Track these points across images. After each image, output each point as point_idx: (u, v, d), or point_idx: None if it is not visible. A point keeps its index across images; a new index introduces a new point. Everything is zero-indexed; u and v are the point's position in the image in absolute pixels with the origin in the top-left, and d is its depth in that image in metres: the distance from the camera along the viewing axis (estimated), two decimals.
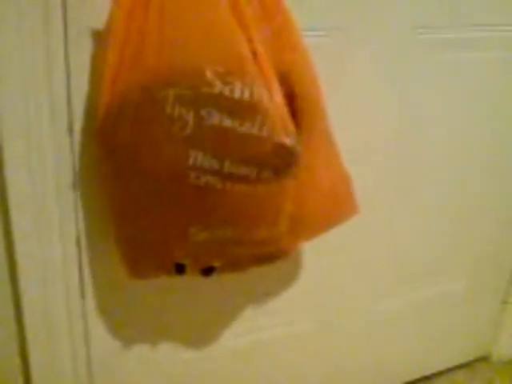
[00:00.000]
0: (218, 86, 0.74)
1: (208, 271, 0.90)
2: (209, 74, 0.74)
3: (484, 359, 1.58)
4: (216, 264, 0.89)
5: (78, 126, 0.85)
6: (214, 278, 0.93)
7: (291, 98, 0.82)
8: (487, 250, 1.43)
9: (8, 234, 0.83)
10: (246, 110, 0.76)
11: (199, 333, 1.11)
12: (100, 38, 0.80)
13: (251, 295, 1.13)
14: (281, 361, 1.25)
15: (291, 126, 0.80)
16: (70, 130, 0.84)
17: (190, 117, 0.75)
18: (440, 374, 1.51)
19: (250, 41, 0.77)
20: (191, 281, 0.93)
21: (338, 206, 0.97)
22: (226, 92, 0.74)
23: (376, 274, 1.28)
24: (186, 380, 1.15)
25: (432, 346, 1.47)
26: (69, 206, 0.88)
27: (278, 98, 0.79)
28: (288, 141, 0.79)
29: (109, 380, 1.06)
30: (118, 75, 0.76)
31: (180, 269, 0.88)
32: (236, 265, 0.92)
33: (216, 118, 0.75)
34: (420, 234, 1.30)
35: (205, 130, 0.76)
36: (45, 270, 0.89)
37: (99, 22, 0.78)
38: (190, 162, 0.77)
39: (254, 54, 0.77)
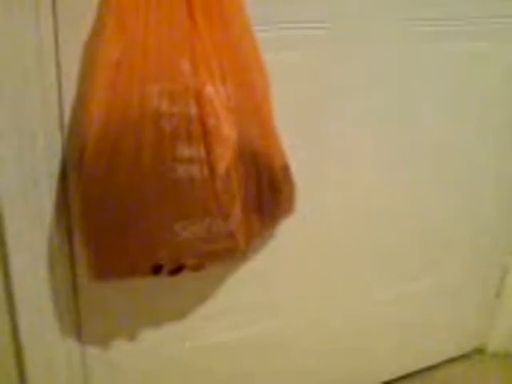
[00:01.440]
0: (189, 75, 0.80)
1: (177, 270, 0.91)
2: (184, 65, 0.79)
3: (479, 351, 1.58)
4: (189, 262, 0.90)
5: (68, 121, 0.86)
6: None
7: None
8: (481, 243, 1.44)
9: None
10: (206, 100, 0.81)
11: (189, 328, 1.12)
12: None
13: (236, 288, 1.13)
14: (268, 357, 1.25)
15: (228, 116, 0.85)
16: (62, 126, 0.85)
17: (175, 110, 0.79)
18: (435, 366, 1.52)
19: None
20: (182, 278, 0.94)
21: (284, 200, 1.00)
22: (193, 82, 0.80)
23: (368, 266, 1.29)
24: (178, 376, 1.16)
25: (426, 339, 1.47)
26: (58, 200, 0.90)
27: (223, 92, 0.84)
28: (229, 131, 0.85)
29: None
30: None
31: (157, 270, 0.89)
32: (200, 263, 0.93)
33: (194, 109, 0.80)
34: (415, 227, 1.31)
35: (187, 121, 0.80)
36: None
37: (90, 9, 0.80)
38: (177, 154, 0.81)
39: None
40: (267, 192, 0.95)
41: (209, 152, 0.83)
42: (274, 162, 0.93)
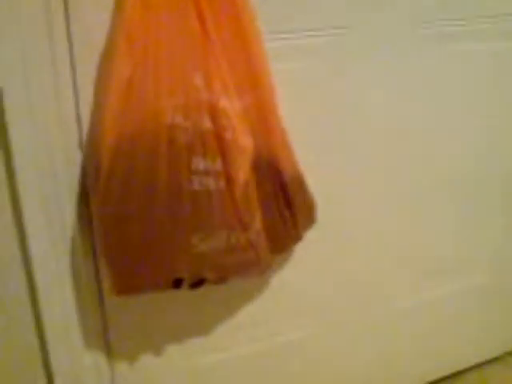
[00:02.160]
0: (202, 90, 0.80)
1: (197, 284, 0.91)
2: (196, 79, 0.80)
3: None
4: (209, 276, 0.90)
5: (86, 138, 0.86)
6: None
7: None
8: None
9: (24, 245, 0.85)
10: (221, 114, 0.82)
11: (216, 340, 1.11)
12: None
13: (253, 301, 1.12)
14: (291, 366, 1.23)
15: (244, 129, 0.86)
16: (81, 143, 0.87)
17: (189, 124, 0.80)
18: (469, 369, 1.48)
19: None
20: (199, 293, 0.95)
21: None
22: (206, 95, 0.81)
23: (398, 269, 1.27)
24: None
25: (459, 342, 1.45)
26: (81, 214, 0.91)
27: (237, 105, 0.85)
28: (246, 141, 0.85)
29: None
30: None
31: (178, 283, 0.89)
32: (221, 276, 0.93)
33: (209, 123, 0.81)
34: (443, 229, 1.29)
35: (201, 134, 0.81)
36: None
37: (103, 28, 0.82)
38: (193, 167, 0.82)
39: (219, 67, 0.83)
40: (283, 203, 0.94)
41: (226, 164, 0.84)
42: (286, 172, 0.93)
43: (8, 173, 0.81)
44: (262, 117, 0.88)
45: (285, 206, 0.95)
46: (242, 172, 0.85)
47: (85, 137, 0.86)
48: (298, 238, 1.01)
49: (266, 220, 0.92)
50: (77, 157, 0.87)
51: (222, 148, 0.83)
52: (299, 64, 0.99)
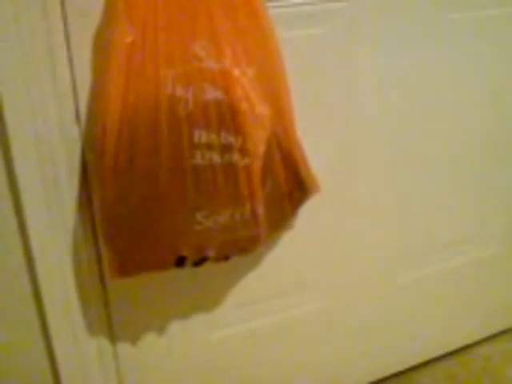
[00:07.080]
0: (205, 59, 0.77)
1: (200, 262, 0.90)
2: (197, 48, 0.77)
3: None
4: (212, 254, 0.88)
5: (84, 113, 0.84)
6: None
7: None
8: None
9: (23, 229, 0.83)
10: (228, 81, 0.79)
11: (219, 318, 1.10)
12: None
13: (261, 276, 1.11)
14: (302, 341, 1.23)
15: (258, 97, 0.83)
16: (78, 118, 0.84)
17: (190, 94, 0.77)
18: (478, 343, 1.47)
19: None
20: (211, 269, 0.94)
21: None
22: (212, 64, 0.78)
23: (402, 243, 1.25)
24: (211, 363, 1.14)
25: (464, 317, 1.43)
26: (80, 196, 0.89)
27: (250, 72, 0.82)
28: (263, 110, 0.83)
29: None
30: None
31: (181, 261, 0.87)
32: (222, 254, 0.91)
33: (210, 93, 0.78)
34: (448, 200, 1.27)
35: (202, 105, 0.78)
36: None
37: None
38: (195, 140, 0.79)
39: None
40: (285, 175, 0.92)
41: (243, 137, 0.81)
42: (291, 143, 0.90)
43: (4, 150, 0.78)
44: (269, 86, 0.85)
45: (282, 178, 0.92)
46: (262, 144, 0.83)
47: (82, 111, 0.83)
48: (293, 213, 0.99)
49: (264, 194, 0.90)
50: (74, 133, 0.84)
51: (239, 120, 0.80)
52: (311, 31, 0.96)
